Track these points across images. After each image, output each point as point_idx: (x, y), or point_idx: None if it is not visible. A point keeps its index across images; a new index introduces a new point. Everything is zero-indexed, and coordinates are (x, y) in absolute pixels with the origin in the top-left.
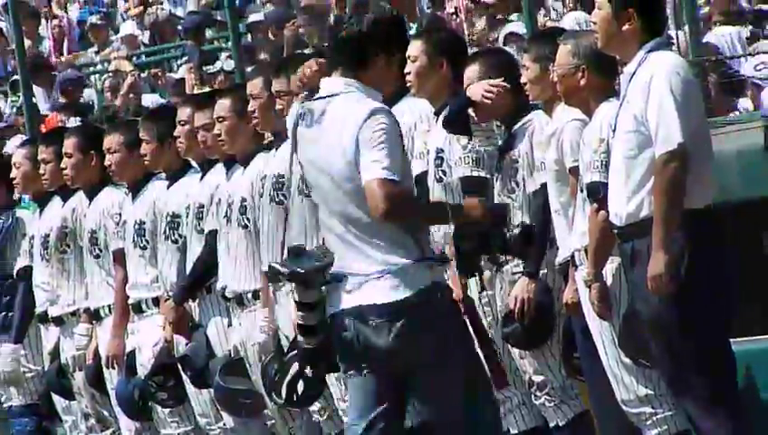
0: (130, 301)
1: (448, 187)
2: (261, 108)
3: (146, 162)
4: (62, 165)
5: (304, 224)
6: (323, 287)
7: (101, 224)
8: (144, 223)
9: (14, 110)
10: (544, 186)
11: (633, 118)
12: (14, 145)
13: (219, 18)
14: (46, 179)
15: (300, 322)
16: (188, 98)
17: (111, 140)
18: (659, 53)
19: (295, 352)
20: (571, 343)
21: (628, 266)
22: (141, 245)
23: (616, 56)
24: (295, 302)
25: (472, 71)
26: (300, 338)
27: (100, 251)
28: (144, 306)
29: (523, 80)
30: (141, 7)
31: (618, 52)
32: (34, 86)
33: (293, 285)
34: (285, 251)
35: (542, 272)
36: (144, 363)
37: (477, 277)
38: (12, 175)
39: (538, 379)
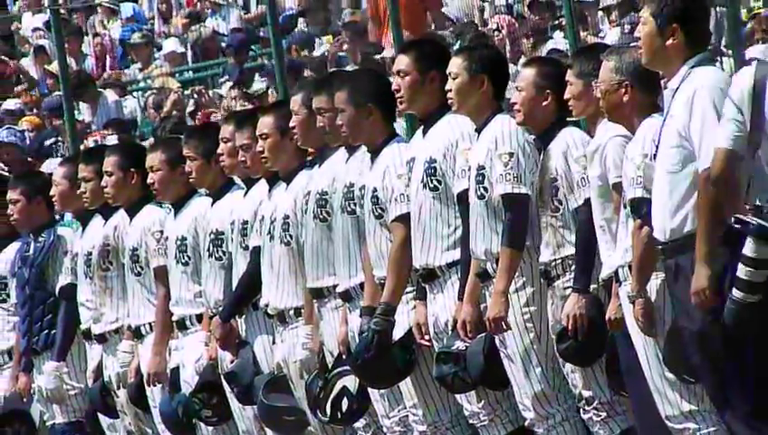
0: (174, 317)
1: (490, 203)
2: (300, 124)
3: (191, 180)
4: (103, 183)
5: (348, 241)
6: None
7: (142, 241)
8: (186, 239)
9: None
10: (587, 201)
11: (677, 133)
12: (54, 163)
13: (263, 35)
14: (87, 198)
15: (745, 277)
16: (230, 115)
17: (154, 158)
18: (703, 69)
19: (340, 368)
20: (615, 359)
21: (671, 282)
22: (183, 261)
23: (659, 72)
24: (746, 257)
25: (526, 75)
26: (738, 295)
27: (142, 269)
28: (188, 323)
29: (566, 95)
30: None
31: (661, 67)
32: (80, 102)
33: (752, 239)
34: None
35: (592, 287)
36: (187, 380)
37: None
38: (51, 193)
39: (586, 393)
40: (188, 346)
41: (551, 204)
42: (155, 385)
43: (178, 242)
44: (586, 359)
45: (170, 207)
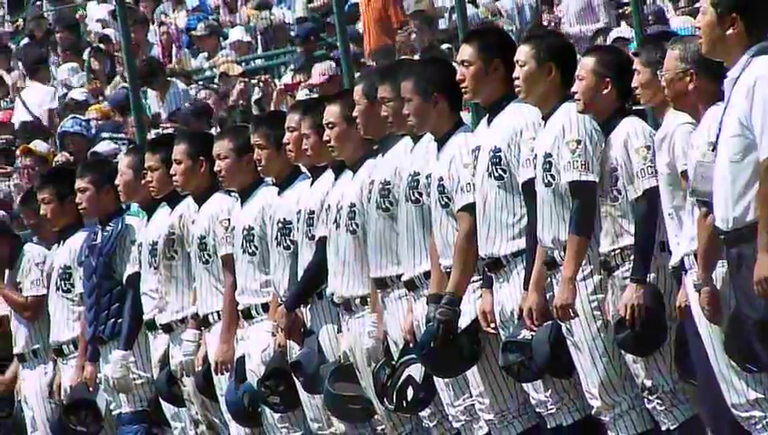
0: (240, 307)
1: (557, 191)
2: (361, 114)
3: (259, 168)
4: (172, 171)
5: (412, 230)
6: None
7: (211, 230)
8: (253, 229)
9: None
10: (647, 192)
11: (737, 122)
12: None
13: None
14: (153, 187)
15: None
16: (297, 104)
17: (221, 146)
18: (763, 58)
19: (406, 357)
20: (683, 347)
21: (734, 271)
22: (250, 250)
23: (723, 60)
24: None
25: (586, 63)
26: None
27: (209, 257)
28: (254, 312)
29: (634, 83)
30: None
31: (722, 56)
32: (149, 90)
33: None
34: None
35: (651, 276)
36: (253, 369)
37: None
38: (116, 182)
39: (649, 383)
40: (254, 336)
41: (610, 193)
42: (223, 374)
43: (245, 232)
44: (644, 349)
45: (237, 196)
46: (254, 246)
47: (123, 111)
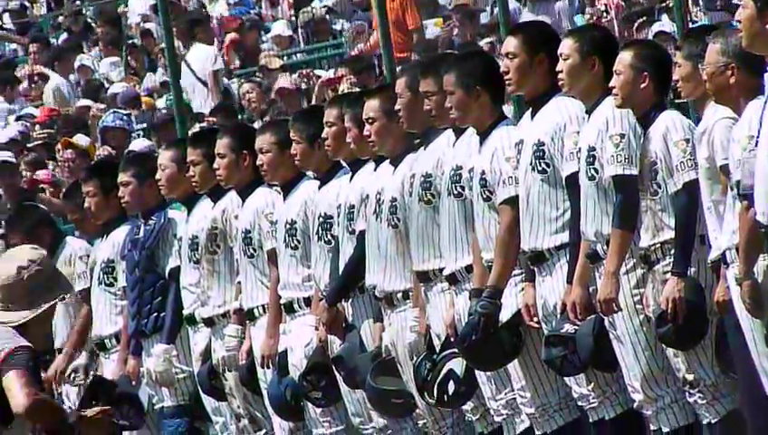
0: (282, 301)
1: (600, 185)
2: (405, 107)
3: (296, 162)
4: (215, 165)
5: (454, 223)
6: None
7: (255, 224)
8: (295, 223)
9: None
10: (687, 185)
11: None
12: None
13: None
14: (196, 181)
15: None
16: (335, 98)
17: (263, 140)
18: None
19: (447, 351)
20: (724, 341)
21: None
22: (293, 245)
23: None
24: None
25: (624, 58)
26: None
27: (255, 251)
28: (296, 306)
29: (675, 77)
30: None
31: (762, 50)
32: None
33: None
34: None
35: (692, 270)
36: (296, 363)
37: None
38: (157, 177)
39: (690, 377)
40: (296, 330)
41: (650, 187)
42: (268, 367)
43: (287, 226)
44: (685, 342)
45: (279, 190)
46: (297, 240)
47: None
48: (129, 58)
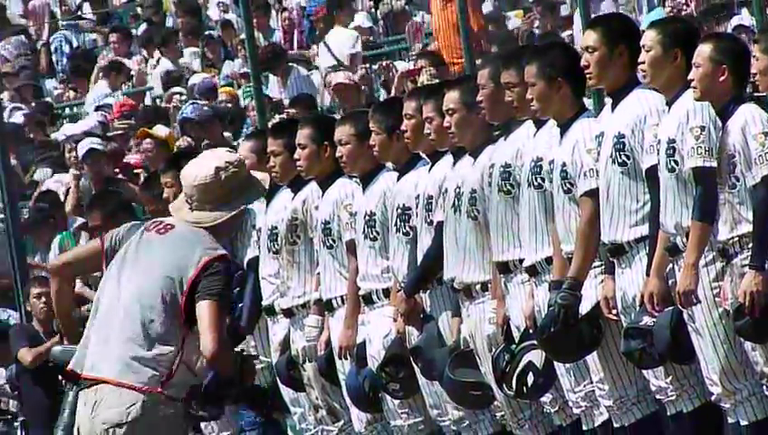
0: (361, 292)
1: (680, 177)
2: (487, 98)
3: (375, 154)
4: (296, 156)
5: (534, 215)
6: None
7: (335, 215)
8: (374, 214)
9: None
10: (765, 178)
11: None
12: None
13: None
14: (276, 172)
15: None
16: (414, 90)
17: (343, 131)
18: None
19: (526, 343)
20: None
21: None
22: (372, 236)
23: None
24: None
25: (702, 51)
26: None
27: (334, 242)
28: (375, 297)
29: (753, 70)
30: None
31: None
32: (271, 75)
33: None
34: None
35: None
36: (374, 355)
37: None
38: None
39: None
40: (374, 321)
41: (728, 180)
42: (346, 358)
43: (367, 217)
44: (762, 336)
45: (359, 181)
46: (376, 231)
47: None
48: (205, 49)
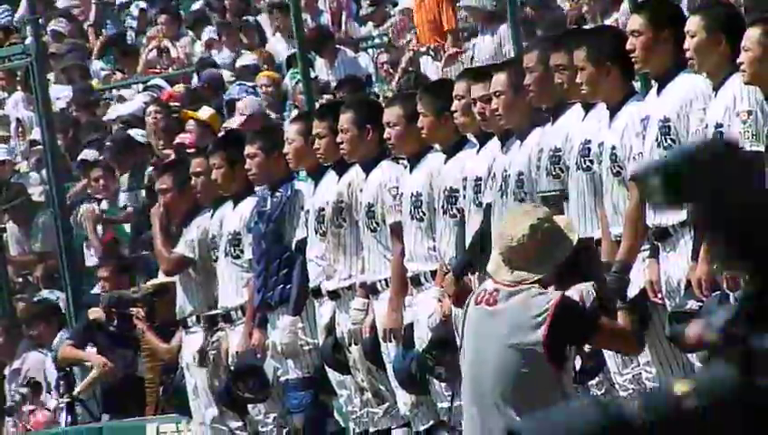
0: (409, 274)
1: None
2: (536, 81)
3: (423, 135)
4: (339, 139)
5: (583, 197)
6: None
7: (379, 198)
8: (421, 195)
9: (295, 83)
10: None
11: None
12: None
13: None
14: (321, 154)
15: None
16: (465, 72)
17: (391, 113)
18: None
19: None
20: None
21: None
22: (418, 217)
23: None
24: None
25: (751, 34)
26: None
27: (377, 225)
28: (422, 279)
29: None
30: None
31: None
32: (318, 58)
33: None
34: None
35: None
36: (422, 336)
37: None
38: (284, 150)
39: None
40: (422, 302)
41: None
42: (391, 341)
43: (413, 198)
44: None
45: (407, 162)
46: (422, 212)
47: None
48: (241, 34)
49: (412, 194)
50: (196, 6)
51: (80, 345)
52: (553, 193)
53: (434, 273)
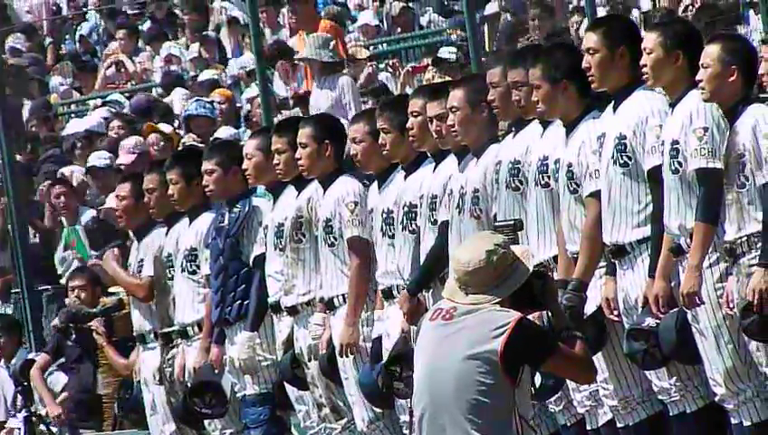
0: (381, 287)
1: (684, 178)
2: (501, 97)
3: (385, 152)
4: (297, 155)
5: (542, 213)
6: None
7: (336, 212)
8: (392, 212)
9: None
10: None
11: None
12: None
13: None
14: (281, 170)
15: None
16: (420, 88)
17: (357, 130)
18: None
19: None
20: None
21: None
22: (390, 233)
23: None
24: None
25: (711, 51)
26: None
27: (335, 240)
28: (395, 292)
29: (760, 71)
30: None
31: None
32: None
33: None
34: None
35: None
36: (389, 349)
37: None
38: (244, 166)
39: None
40: (393, 316)
41: (737, 180)
42: (347, 356)
43: (384, 215)
44: None
45: (373, 180)
46: (393, 228)
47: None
48: (201, 49)
49: (383, 211)
50: (152, 23)
51: (53, 358)
52: (508, 223)
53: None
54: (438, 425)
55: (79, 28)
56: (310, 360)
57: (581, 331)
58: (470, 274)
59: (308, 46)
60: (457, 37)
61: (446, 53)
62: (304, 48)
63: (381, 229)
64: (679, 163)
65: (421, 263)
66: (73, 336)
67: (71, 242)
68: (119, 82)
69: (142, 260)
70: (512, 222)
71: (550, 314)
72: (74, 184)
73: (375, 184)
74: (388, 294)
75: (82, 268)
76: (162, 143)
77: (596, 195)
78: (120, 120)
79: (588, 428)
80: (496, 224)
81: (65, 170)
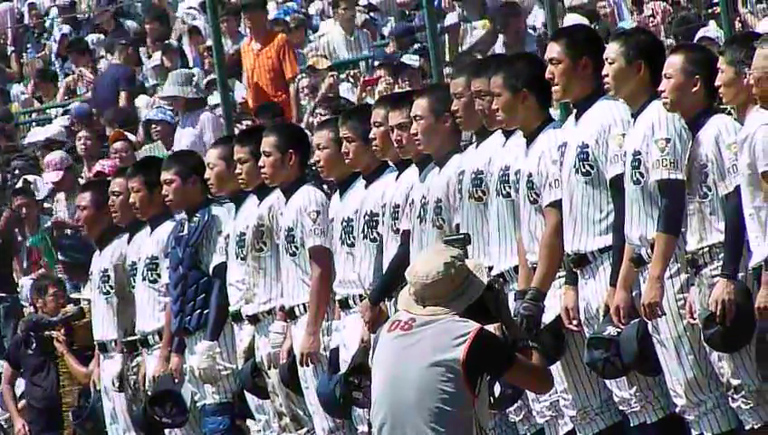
0: (338, 297)
1: (645, 189)
2: (465, 106)
3: (347, 161)
4: (260, 163)
5: (504, 223)
6: None
7: (298, 222)
8: (352, 220)
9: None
10: (738, 188)
11: None
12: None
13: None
14: (243, 179)
15: None
16: (383, 98)
17: (322, 136)
18: None
19: None
20: (765, 347)
21: None
22: (349, 242)
23: None
24: None
25: (674, 61)
26: None
27: (297, 249)
28: (351, 302)
29: (717, 82)
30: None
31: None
32: (238, 82)
33: None
34: None
35: (740, 275)
36: (347, 360)
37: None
38: (206, 175)
39: (735, 381)
40: (350, 326)
41: (699, 190)
42: (308, 365)
43: (344, 223)
44: (732, 345)
45: (334, 188)
46: (353, 237)
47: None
48: (163, 58)
49: (343, 219)
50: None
51: (15, 366)
52: (458, 237)
53: (362, 296)
54: None
55: (41, 38)
56: (270, 369)
57: (538, 341)
58: (428, 286)
59: (171, 84)
60: (419, 48)
61: (409, 59)
62: (166, 85)
63: (341, 238)
64: (641, 174)
65: (383, 272)
66: (34, 345)
67: (36, 254)
68: (80, 92)
69: (107, 270)
70: (461, 236)
71: (503, 328)
72: (36, 194)
73: (336, 193)
74: (345, 304)
75: (49, 276)
76: (128, 151)
77: (556, 204)
78: (87, 131)
79: None
80: (446, 238)
81: (29, 178)
